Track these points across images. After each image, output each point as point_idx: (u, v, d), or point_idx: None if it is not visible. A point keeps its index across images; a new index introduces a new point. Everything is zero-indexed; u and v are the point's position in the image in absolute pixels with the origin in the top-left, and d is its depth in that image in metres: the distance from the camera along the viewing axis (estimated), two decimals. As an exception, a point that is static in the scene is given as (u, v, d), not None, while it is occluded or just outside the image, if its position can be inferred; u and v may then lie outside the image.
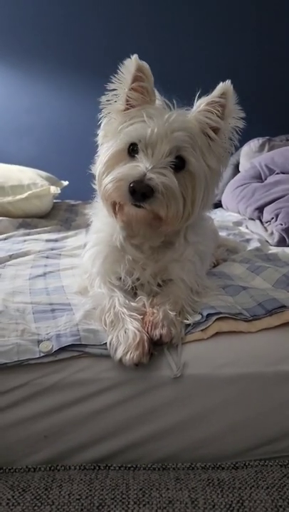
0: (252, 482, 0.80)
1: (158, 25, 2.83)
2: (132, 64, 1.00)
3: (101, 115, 1.06)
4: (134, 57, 1.00)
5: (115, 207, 0.99)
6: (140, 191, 0.91)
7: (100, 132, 1.07)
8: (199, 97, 1.04)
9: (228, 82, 1.00)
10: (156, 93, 1.04)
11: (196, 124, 1.00)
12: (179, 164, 0.97)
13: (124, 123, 1.00)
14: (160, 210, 0.94)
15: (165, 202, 0.93)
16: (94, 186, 1.07)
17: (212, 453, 0.90)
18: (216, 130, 1.01)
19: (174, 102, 1.02)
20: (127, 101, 1.02)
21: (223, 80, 1.01)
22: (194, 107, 1.03)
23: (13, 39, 2.80)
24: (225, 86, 1.00)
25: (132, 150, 0.97)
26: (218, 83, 1.01)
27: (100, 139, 1.07)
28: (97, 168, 1.03)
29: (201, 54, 2.83)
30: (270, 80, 2.91)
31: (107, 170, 1.00)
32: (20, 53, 2.82)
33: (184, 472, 0.83)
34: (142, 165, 0.93)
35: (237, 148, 2.56)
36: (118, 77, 1.02)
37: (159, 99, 1.04)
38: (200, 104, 1.02)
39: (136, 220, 0.99)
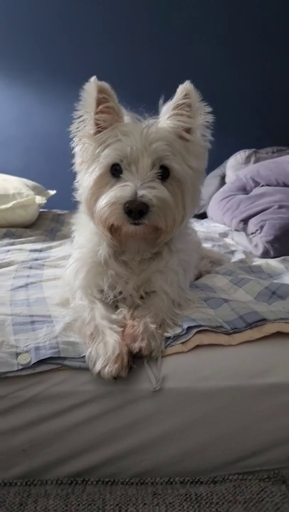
0: (230, 497, 0.79)
1: (143, 33, 2.87)
2: (92, 87, 1.01)
3: (73, 143, 1.06)
4: (93, 79, 1.01)
5: (112, 229, 0.99)
6: (136, 210, 0.92)
7: (77, 160, 1.06)
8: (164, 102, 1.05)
9: (187, 82, 1.02)
10: (123, 109, 1.05)
11: (170, 131, 1.01)
12: (164, 173, 0.99)
13: (99, 146, 1.00)
14: (159, 222, 0.96)
15: (162, 213, 0.95)
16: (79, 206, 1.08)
17: (191, 467, 0.90)
18: (188, 130, 1.03)
19: (145, 115, 1.04)
20: (97, 124, 1.02)
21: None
22: (162, 114, 1.05)
23: (1, 50, 2.81)
24: (186, 86, 1.02)
25: (116, 170, 0.98)
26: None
27: (77, 167, 1.07)
28: (83, 194, 1.03)
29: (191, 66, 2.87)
30: (256, 93, 2.95)
31: (94, 195, 1.00)
32: (9, 64, 2.83)
33: (162, 487, 0.82)
34: (130, 183, 0.94)
35: (221, 157, 2.59)
36: (82, 103, 1.03)
37: (127, 115, 1.05)
38: (167, 109, 1.04)
39: (135, 237, 1.00)
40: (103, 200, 0.96)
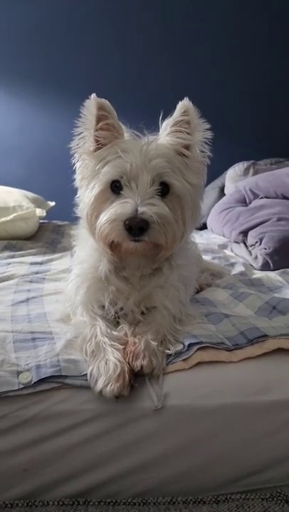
0: (233, 517, 0.79)
1: (143, 46, 2.90)
2: (92, 105, 1.01)
3: (74, 160, 1.07)
4: (93, 96, 1.02)
5: (112, 245, 1.00)
6: (137, 227, 0.92)
7: (77, 176, 1.07)
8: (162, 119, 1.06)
9: (186, 99, 1.03)
10: (122, 126, 1.05)
11: (169, 147, 1.02)
12: (164, 190, 0.99)
13: (99, 162, 1.01)
14: (159, 239, 0.96)
15: (162, 230, 0.96)
16: (81, 222, 1.09)
17: (193, 485, 0.89)
18: (187, 147, 1.04)
19: (145, 131, 1.04)
20: (97, 141, 1.03)
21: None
22: (161, 130, 1.05)
23: (3, 62, 2.83)
24: (185, 104, 1.03)
25: (116, 187, 0.98)
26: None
27: (77, 182, 1.08)
28: (84, 210, 1.03)
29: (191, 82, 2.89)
30: (256, 105, 2.98)
31: (95, 211, 1.01)
32: (9, 76, 2.86)
33: (165, 507, 0.82)
34: (130, 200, 0.94)
35: (223, 167, 2.60)
36: (82, 120, 1.03)
37: (126, 131, 1.05)
38: (166, 126, 1.05)
39: (135, 253, 1.00)
40: (104, 217, 0.96)
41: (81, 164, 1.06)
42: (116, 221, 0.94)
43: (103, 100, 1.02)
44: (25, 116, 2.93)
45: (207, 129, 1.04)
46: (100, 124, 1.02)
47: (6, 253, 1.83)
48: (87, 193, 1.02)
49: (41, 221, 2.32)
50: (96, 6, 2.82)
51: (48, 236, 2.24)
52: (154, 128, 1.07)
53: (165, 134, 1.04)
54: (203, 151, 1.06)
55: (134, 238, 0.94)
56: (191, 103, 1.03)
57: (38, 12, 2.80)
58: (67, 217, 2.56)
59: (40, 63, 2.87)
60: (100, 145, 1.03)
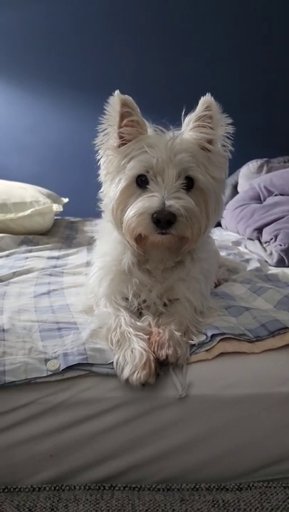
0: (256, 504, 0.80)
1: (155, 44, 2.91)
2: (116, 102, 1.03)
3: (98, 156, 1.08)
4: (116, 93, 1.03)
5: (138, 239, 1.01)
6: (164, 220, 0.94)
7: (102, 171, 1.09)
8: (185, 114, 1.07)
9: (208, 95, 1.05)
10: (146, 122, 1.07)
11: (193, 142, 1.03)
12: (189, 184, 1.01)
13: (124, 158, 1.02)
14: (186, 231, 0.98)
15: (189, 224, 0.97)
16: (102, 215, 1.11)
17: (216, 474, 0.91)
18: (210, 141, 1.05)
19: (171, 127, 1.05)
20: (121, 137, 1.04)
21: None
22: (184, 125, 1.07)
23: (16, 59, 2.86)
24: (207, 99, 1.04)
25: (141, 181, 1.00)
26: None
27: (102, 177, 1.09)
28: (110, 205, 1.05)
29: (210, 79, 2.90)
30: (269, 103, 2.98)
31: (121, 205, 1.02)
32: (24, 73, 2.88)
33: (189, 493, 0.83)
34: (157, 194, 0.96)
35: (236, 165, 2.60)
36: (106, 117, 1.05)
37: (150, 127, 1.07)
38: (189, 121, 1.06)
39: (160, 246, 1.02)
40: (131, 211, 0.98)
41: (105, 160, 1.07)
42: (144, 214, 0.96)
43: (126, 96, 1.04)
44: (38, 115, 2.95)
45: (229, 124, 1.06)
46: (124, 121, 1.04)
47: (24, 247, 1.86)
48: (112, 188, 1.04)
49: (55, 217, 2.34)
50: (106, 5, 2.83)
51: (62, 232, 2.26)
52: (177, 124, 1.08)
53: (188, 129, 1.05)
54: (224, 145, 1.07)
55: (162, 231, 0.96)
56: (212, 98, 1.04)
57: (51, 12, 2.82)
58: (80, 213, 2.62)
59: (54, 62, 2.89)
60: (124, 141, 1.05)
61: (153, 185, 0.98)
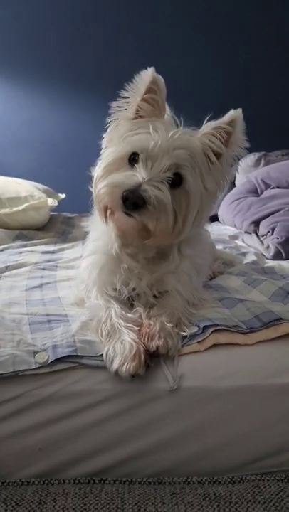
0: (249, 497, 0.79)
1: (158, 41, 2.88)
2: (147, 75, 1.01)
3: (109, 119, 1.07)
4: (151, 69, 1.01)
5: (106, 211, 1.00)
6: (132, 200, 0.91)
7: (106, 136, 1.07)
8: (208, 120, 1.04)
9: (238, 110, 1.01)
10: (167, 108, 1.05)
11: (198, 145, 1.00)
12: (176, 181, 0.97)
13: (130, 131, 1.01)
14: (149, 222, 0.94)
15: (155, 215, 0.93)
16: (90, 189, 1.07)
17: (209, 467, 0.89)
18: (218, 155, 1.01)
19: (182, 120, 1.03)
20: (137, 111, 1.03)
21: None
22: (201, 129, 1.04)
23: (12, 54, 2.84)
24: (235, 114, 1.00)
25: (133, 159, 0.98)
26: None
27: (104, 143, 1.07)
28: (96, 171, 1.03)
29: (193, 72, 2.87)
30: (266, 96, 2.96)
31: (105, 175, 1.00)
32: (20, 68, 2.86)
33: (180, 486, 0.82)
34: (138, 175, 0.93)
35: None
36: (132, 85, 1.03)
37: (168, 115, 1.04)
38: (207, 127, 1.02)
39: (125, 229, 0.99)
40: (107, 180, 0.96)
41: (114, 127, 1.06)
42: (116, 187, 0.93)
43: (159, 76, 1.02)
44: (35, 110, 2.94)
45: (245, 148, 1.02)
46: (146, 95, 1.02)
47: (18, 242, 1.84)
48: (106, 155, 1.03)
49: (51, 213, 2.33)
50: (107, 1, 2.81)
51: (58, 227, 2.25)
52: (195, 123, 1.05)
53: (202, 132, 1.02)
54: (232, 165, 1.05)
55: (126, 211, 0.93)
56: (241, 116, 1.00)
57: (48, 6, 2.80)
58: (77, 209, 2.60)
59: (51, 57, 2.87)
60: (138, 115, 1.03)
61: (141, 166, 0.95)
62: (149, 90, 1.02)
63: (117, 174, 0.98)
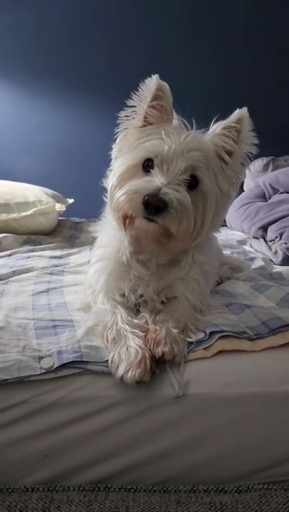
0: (255, 506, 0.78)
1: (165, 43, 2.89)
2: (152, 83, 1.02)
3: (118, 130, 1.07)
4: (155, 76, 1.02)
5: (126, 219, 0.98)
6: (154, 204, 0.90)
7: (115, 146, 1.08)
8: (216, 121, 1.05)
9: (244, 109, 1.02)
10: (174, 113, 1.05)
11: (211, 146, 1.00)
12: (193, 183, 0.97)
13: (140, 139, 1.01)
14: (172, 225, 0.93)
15: (177, 218, 0.93)
16: (105, 199, 1.07)
17: (215, 475, 0.88)
18: (229, 154, 1.02)
19: (193, 122, 1.03)
20: (145, 118, 1.03)
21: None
22: (210, 130, 1.04)
23: (21, 59, 2.86)
24: (242, 112, 1.01)
25: (147, 165, 0.98)
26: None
27: (114, 153, 1.08)
28: (110, 181, 1.03)
29: (202, 77, 2.87)
30: (275, 101, 2.94)
31: (120, 183, 1.00)
32: (29, 74, 2.88)
33: (186, 495, 0.81)
34: (157, 179, 0.93)
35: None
36: (138, 94, 1.04)
37: (176, 119, 1.05)
38: (216, 127, 1.03)
39: (146, 235, 0.98)
40: (126, 188, 0.96)
41: (123, 136, 1.06)
42: (136, 193, 0.93)
43: (164, 83, 1.03)
44: (45, 115, 2.95)
45: (255, 144, 1.03)
46: (153, 102, 1.02)
47: (26, 247, 1.84)
48: (118, 165, 1.03)
49: (59, 218, 2.33)
50: (118, 5, 2.83)
51: (66, 232, 2.25)
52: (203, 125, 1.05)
53: (212, 134, 1.03)
54: (243, 164, 1.05)
55: (148, 216, 0.92)
56: (248, 114, 1.01)
57: (60, 12, 2.82)
58: (85, 214, 2.60)
59: (62, 63, 2.88)
60: (146, 123, 1.04)
61: (157, 171, 0.95)
62: (155, 97, 1.02)
63: (133, 181, 0.97)
